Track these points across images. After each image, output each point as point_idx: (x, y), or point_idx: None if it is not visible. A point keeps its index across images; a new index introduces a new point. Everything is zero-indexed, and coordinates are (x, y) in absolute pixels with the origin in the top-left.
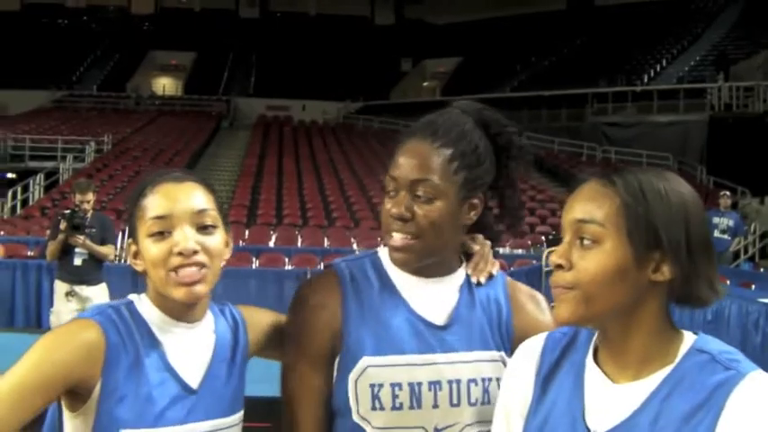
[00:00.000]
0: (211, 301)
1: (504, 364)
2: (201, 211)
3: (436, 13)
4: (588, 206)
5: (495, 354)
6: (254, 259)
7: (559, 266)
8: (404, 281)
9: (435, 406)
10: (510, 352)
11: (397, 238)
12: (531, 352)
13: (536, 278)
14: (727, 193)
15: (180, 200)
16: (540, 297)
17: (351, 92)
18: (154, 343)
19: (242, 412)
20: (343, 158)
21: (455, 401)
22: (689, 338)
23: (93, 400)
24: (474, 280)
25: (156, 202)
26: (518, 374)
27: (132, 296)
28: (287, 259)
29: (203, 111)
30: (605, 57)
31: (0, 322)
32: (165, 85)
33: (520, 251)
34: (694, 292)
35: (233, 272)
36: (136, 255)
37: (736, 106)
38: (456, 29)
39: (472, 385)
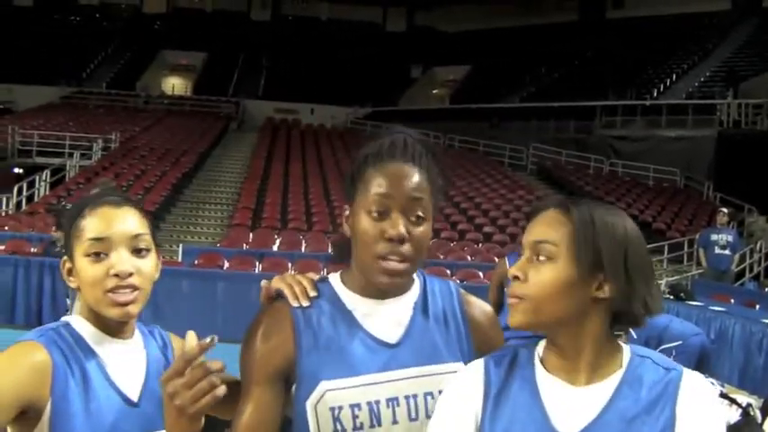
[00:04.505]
0: (138, 321)
1: None
2: (137, 236)
3: (447, 21)
4: (545, 229)
5: (451, 366)
6: (257, 263)
7: (516, 278)
8: (357, 303)
9: (395, 422)
10: None
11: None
12: (472, 375)
13: None
14: (724, 209)
15: (117, 223)
16: (491, 310)
17: (360, 97)
18: (94, 359)
19: None
20: (350, 164)
21: (413, 416)
22: (626, 348)
23: (44, 422)
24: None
25: (94, 224)
26: (462, 396)
27: (66, 317)
28: (290, 264)
29: (212, 112)
30: (615, 70)
31: (0, 318)
32: (174, 84)
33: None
34: (630, 310)
35: (237, 276)
36: (70, 272)
37: (745, 123)
38: (466, 37)
39: (429, 398)
